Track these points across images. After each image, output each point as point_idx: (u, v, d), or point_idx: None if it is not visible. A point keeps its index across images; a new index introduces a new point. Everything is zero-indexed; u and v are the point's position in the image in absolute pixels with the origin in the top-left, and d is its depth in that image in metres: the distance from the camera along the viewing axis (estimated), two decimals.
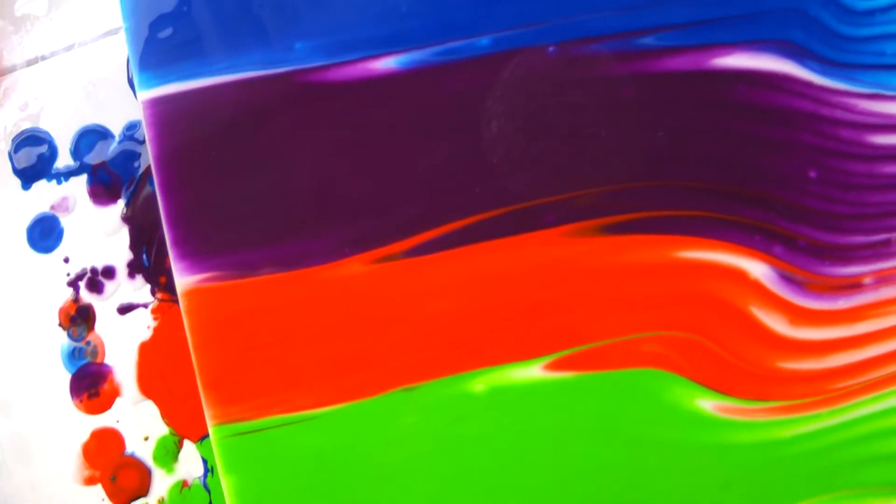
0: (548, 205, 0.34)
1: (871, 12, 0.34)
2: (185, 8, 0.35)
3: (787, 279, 0.34)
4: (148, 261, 0.38)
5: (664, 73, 0.34)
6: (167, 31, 0.35)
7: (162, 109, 0.34)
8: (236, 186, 0.34)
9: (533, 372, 0.34)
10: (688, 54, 0.34)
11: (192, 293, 0.34)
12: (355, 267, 0.34)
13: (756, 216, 0.34)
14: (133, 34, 0.35)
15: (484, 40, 0.34)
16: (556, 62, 0.34)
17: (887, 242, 0.34)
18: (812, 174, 0.34)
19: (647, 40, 0.34)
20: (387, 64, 0.34)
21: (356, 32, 0.34)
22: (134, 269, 0.38)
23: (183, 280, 0.34)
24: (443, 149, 0.34)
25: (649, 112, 0.34)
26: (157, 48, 0.35)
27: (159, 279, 0.38)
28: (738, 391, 0.34)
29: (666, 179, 0.34)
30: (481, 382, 0.34)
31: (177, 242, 0.34)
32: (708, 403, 0.34)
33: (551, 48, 0.34)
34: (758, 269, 0.34)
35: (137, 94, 0.35)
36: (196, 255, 0.34)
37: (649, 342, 0.34)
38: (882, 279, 0.34)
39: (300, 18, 0.35)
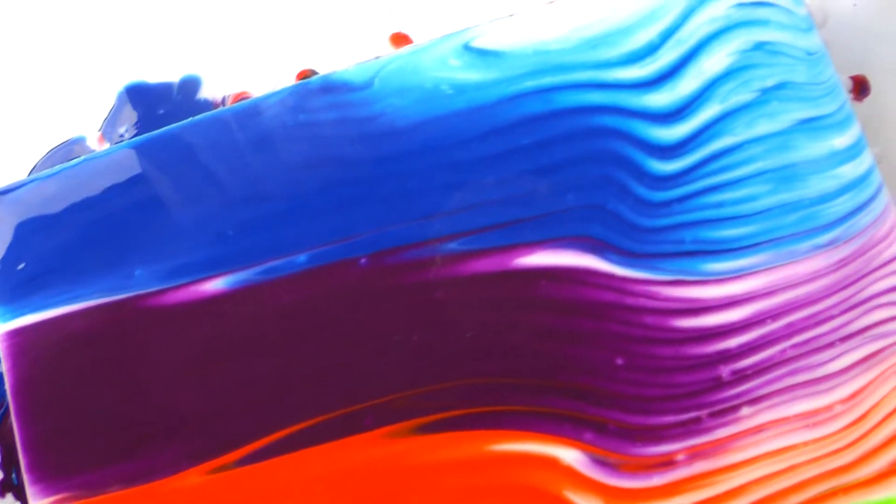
0: (365, 409, 0.36)
1: (669, 203, 0.36)
2: (36, 244, 0.38)
3: (599, 462, 0.36)
4: (17, 479, 0.41)
5: (470, 275, 0.36)
6: (19, 267, 0.38)
7: (17, 341, 0.37)
8: (84, 410, 0.37)
9: None
10: (491, 256, 0.36)
11: None
12: (193, 478, 0.36)
13: (566, 406, 0.36)
14: None
15: (301, 257, 0.37)
16: (368, 272, 0.36)
17: (698, 420, 0.36)
18: (619, 361, 0.36)
19: (452, 245, 0.36)
20: (216, 285, 0.37)
21: (188, 257, 0.37)
22: (4, 487, 0.41)
23: None
24: (267, 362, 0.36)
25: (458, 313, 0.36)
26: (11, 283, 0.38)
27: None
28: None
29: (476, 377, 0.36)
30: None
31: (31, 468, 0.37)
32: None
33: (363, 259, 0.37)
34: (569, 455, 0.36)
35: None
36: (49, 479, 0.37)
37: None
38: (695, 454, 0.35)
39: (138, 246, 0.37)
